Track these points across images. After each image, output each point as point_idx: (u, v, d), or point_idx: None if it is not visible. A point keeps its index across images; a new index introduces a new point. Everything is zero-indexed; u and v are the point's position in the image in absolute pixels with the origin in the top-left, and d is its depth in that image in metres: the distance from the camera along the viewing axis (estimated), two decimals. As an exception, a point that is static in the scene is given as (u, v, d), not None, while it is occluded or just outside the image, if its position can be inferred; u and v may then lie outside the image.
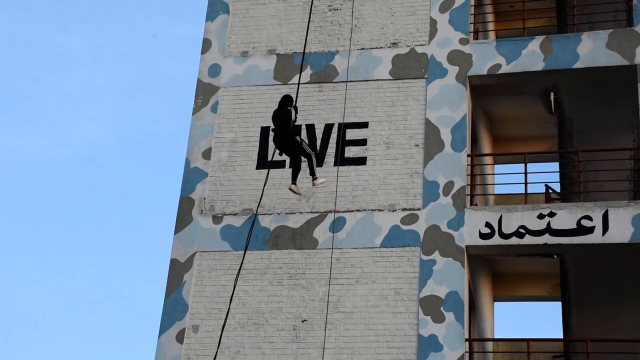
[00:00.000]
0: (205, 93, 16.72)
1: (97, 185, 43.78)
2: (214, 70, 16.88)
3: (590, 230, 14.54)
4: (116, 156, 44.98)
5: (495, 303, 18.92)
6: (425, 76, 16.10)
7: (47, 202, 42.60)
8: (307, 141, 14.91)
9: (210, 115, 16.52)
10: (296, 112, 14.02)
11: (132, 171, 44.43)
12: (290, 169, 14.58)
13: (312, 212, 15.35)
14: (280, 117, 13.92)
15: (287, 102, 14.19)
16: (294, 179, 14.19)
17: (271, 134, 16.02)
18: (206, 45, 17.13)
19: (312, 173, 14.13)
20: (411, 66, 16.20)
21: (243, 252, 15.18)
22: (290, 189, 14.20)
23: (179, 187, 16.04)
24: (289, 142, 13.90)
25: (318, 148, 15.82)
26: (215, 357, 13.38)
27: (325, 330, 14.43)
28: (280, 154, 14.43)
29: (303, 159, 14.22)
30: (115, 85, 45.10)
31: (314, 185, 14.30)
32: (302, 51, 16.64)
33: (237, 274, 14.12)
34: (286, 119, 13.82)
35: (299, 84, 15.52)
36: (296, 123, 14.23)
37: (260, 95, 16.53)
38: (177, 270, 15.35)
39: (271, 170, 15.85)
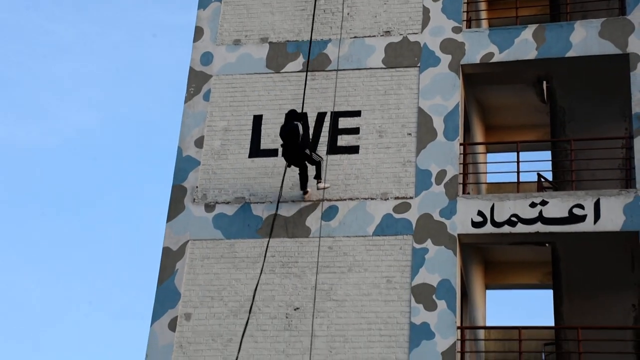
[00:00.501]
0: (197, 81, 16.70)
1: (88, 173, 43.68)
2: (206, 58, 16.85)
3: (582, 218, 14.59)
4: (107, 144, 44.87)
5: (487, 291, 18.97)
6: (418, 65, 16.09)
7: (37, 191, 42.47)
8: (316, 152, 15.32)
9: (202, 103, 16.50)
10: (303, 126, 15.02)
11: (123, 159, 44.35)
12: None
13: (304, 201, 15.36)
14: (288, 133, 14.84)
15: (292, 117, 14.99)
16: (304, 187, 15.15)
17: (264, 131, 16.07)
18: (198, 33, 17.10)
19: (319, 177, 15.12)
20: (404, 55, 16.20)
21: (237, 239, 15.25)
22: (305, 198, 15.15)
23: (171, 176, 16.05)
24: (298, 155, 14.84)
25: (310, 136, 15.82)
26: (242, 340, 14.01)
27: (313, 317, 14.46)
28: (289, 167, 15.16)
29: (310, 167, 15.14)
30: (106, 73, 44.97)
31: (317, 188, 15.14)
32: (295, 40, 16.66)
33: (262, 262, 14.70)
34: (294, 134, 14.77)
35: (307, 71, 15.72)
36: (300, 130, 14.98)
37: (253, 83, 16.52)
38: (170, 259, 15.36)
39: (264, 159, 15.86)
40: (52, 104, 43.96)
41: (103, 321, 40.10)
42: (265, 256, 14.73)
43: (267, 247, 14.84)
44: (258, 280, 14.58)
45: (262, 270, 14.65)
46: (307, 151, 14.97)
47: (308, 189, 15.22)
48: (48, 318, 40.07)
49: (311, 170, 15.24)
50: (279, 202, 15.12)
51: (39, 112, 43.44)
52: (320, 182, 15.14)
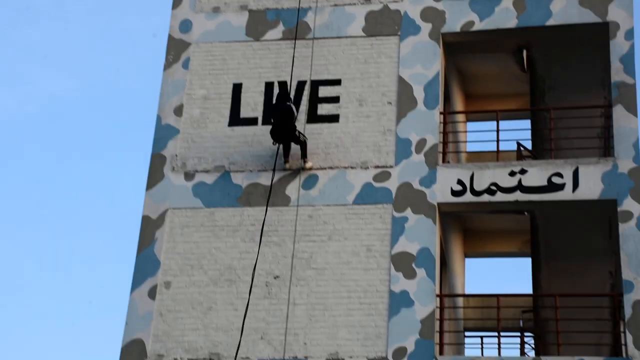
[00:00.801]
0: (176, 49, 16.59)
1: (64, 141, 43.36)
2: (185, 26, 16.73)
3: (561, 187, 14.67)
4: (85, 112, 44.49)
5: (466, 259, 19.09)
6: (399, 33, 16.05)
7: (11, 159, 42.07)
8: (302, 133, 15.38)
9: (181, 71, 16.40)
10: (295, 107, 15.17)
11: (101, 127, 44.01)
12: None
13: (284, 170, 15.35)
14: (282, 113, 14.92)
15: (284, 97, 15.11)
16: (287, 158, 15.14)
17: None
18: (177, 0, 16.95)
19: (304, 156, 15.16)
20: (384, 23, 16.14)
21: (217, 208, 15.25)
22: (288, 167, 15.16)
23: (151, 144, 15.97)
24: (287, 135, 14.94)
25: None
26: (247, 310, 13.93)
27: (290, 285, 14.51)
28: (275, 144, 15.13)
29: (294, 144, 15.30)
30: (83, 40, 44.50)
31: (304, 168, 15.18)
32: (275, 7, 16.56)
33: (260, 233, 14.69)
34: (288, 114, 14.87)
35: (295, 39, 15.60)
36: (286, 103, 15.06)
37: (232, 51, 16.43)
38: (149, 227, 15.34)
39: (243, 127, 15.82)
40: (27, 70, 43.50)
41: (81, 290, 40.08)
42: (263, 226, 14.67)
43: (265, 217, 14.79)
44: (258, 252, 14.55)
45: (260, 241, 14.63)
46: (297, 132, 15.01)
47: (289, 159, 15.20)
48: (21, 279, 39.96)
49: (295, 147, 15.26)
50: (273, 178, 15.04)
51: (14, 79, 42.94)
52: (307, 161, 15.16)
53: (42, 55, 43.48)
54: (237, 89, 16.14)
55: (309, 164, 15.20)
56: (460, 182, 14.93)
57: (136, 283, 14.98)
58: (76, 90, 44.84)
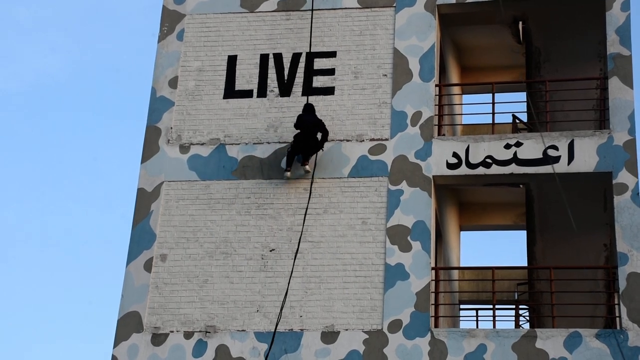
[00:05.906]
0: (170, 20, 16.48)
1: (58, 115, 43.12)
2: (180, -3, 16.61)
3: (556, 159, 14.67)
4: (79, 86, 44.24)
5: (461, 232, 19.12)
6: (394, 4, 15.96)
7: (3, 137, 41.77)
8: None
9: (176, 43, 16.31)
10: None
11: (95, 100, 43.79)
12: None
13: (279, 142, 15.32)
14: (318, 126, 14.80)
15: (312, 110, 15.00)
16: (290, 167, 14.91)
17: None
18: (171, -29, 16.83)
19: (307, 159, 14.96)
20: (380, -6, 16.04)
21: (212, 181, 15.23)
22: (289, 176, 14.88)
23: (145, 116, 15.92)
24: (311, 146, 14.77)
25: (286, 78, 15.76)
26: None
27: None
28: (293, 152, 14.89)
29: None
30: (76, 12, 44.12)
31: (307, 171, 14.94)
32: (270, -22, 16.43)
33: (307, 206, 14.58)
34: (324, 131, 14.80)
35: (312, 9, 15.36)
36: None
37: (227, 23, 16.33)
38: (145, 200, 15.32)
39: (239, 99, 15.77)
40: (14, 46, 43.01)
41: (77, 264, 40.12)
42: (310, 195, 14.67)
43: (312, 188, 14.70)
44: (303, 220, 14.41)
45: (305, 213, 14.60)
46: (322, 150, 14.98)
47: (290, 169, 14.94)
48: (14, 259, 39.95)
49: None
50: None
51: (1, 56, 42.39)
52: (307, 163, 14.93)
53: (30, 29, 43.07)
54: (232, 61, 16.06)
55: (308, 167, 14.92)
56: (455, 154, 14.91)
57: (132, 256, 14.99)
58: (70, 63, 44.57)
